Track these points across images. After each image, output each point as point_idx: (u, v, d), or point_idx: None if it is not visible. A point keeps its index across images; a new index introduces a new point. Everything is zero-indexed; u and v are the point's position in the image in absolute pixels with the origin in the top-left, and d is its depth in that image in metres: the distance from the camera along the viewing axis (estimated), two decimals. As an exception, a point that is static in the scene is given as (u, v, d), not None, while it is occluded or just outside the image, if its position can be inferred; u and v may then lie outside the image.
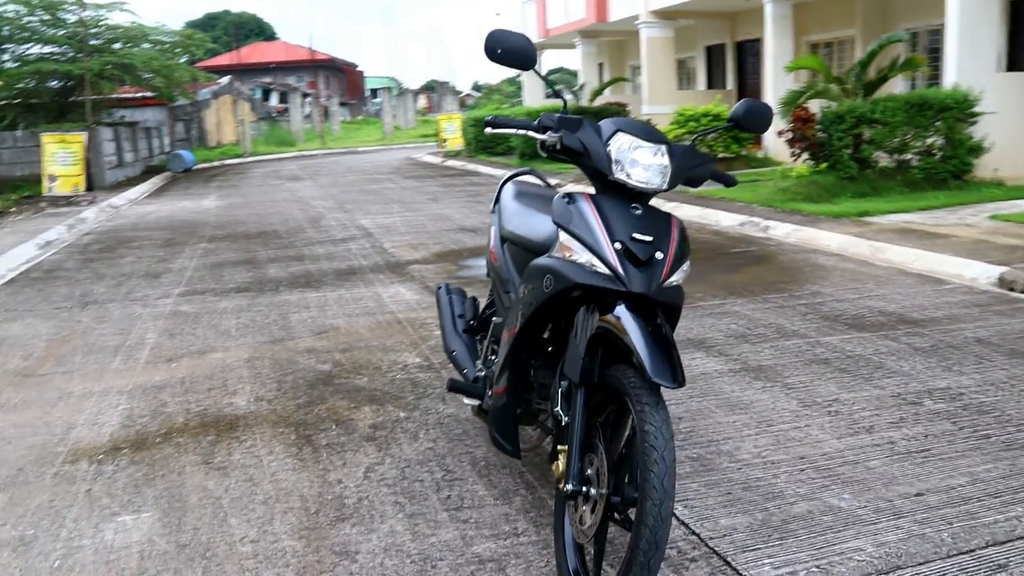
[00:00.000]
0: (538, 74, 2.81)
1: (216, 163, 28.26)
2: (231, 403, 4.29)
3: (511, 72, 27.55)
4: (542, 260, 2.59)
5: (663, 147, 2.53)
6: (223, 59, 51.37)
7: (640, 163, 2.49)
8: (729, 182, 2.93)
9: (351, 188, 16.60)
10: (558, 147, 2.60)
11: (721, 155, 14.33)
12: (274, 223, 11.69)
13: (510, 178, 3.71)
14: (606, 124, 2.57)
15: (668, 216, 2.55)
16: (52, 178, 15.43)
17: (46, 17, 20.92)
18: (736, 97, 19.32)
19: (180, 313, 6.34)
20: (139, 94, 25.93)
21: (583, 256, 2.40)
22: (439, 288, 3.97)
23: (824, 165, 10.33)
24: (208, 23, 65.77)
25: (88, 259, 9.23)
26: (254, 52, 59.71)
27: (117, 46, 21.92)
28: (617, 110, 17.53)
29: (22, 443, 3.87)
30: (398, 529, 2.91)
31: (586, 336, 2.41)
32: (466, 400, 3.16)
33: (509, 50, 2.64)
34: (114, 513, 3.13)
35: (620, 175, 2.50)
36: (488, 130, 2.80)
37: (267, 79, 56.46)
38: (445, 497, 3.13)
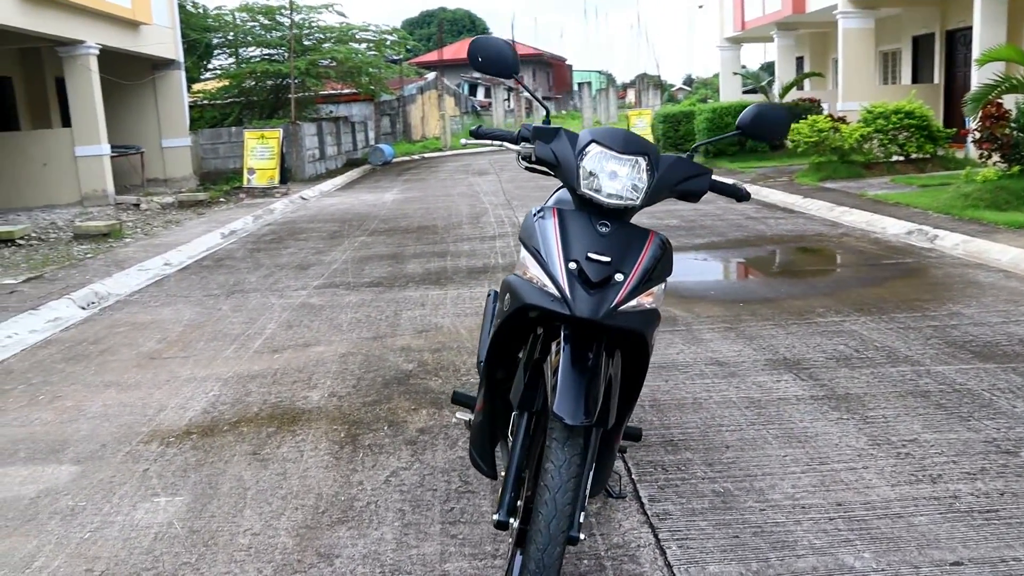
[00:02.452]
0: (520, 82, 2.72)
1: (416, 157, 29.57)
2: (306, 397, 4.50)
3: (715, 67, 26.63)
4: (509, 277, 2.51)
5: (640, 159, 2.37)
6: (433, 55, 53.57)
7: (610, 176, 2.35)
8: (740, 196, 2.70)
9: (527, 184, 16.79)
10: (532, 158, 2.50)
11: (913, 155, 13.19)
12: (437, 218, 12.07)
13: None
14: (583, 134, 2.45)
15: (645, 234, 2.39)
16: (251, 171, 16.82)
17: (265, 22, 22.82)
18: (944, 92, 17.69)
19: (307, 305, 6.71)
20: (346, 90, 27.63)
21: (535, 275, 2.30)
22: (489, 295, 3.94)
23: (1016, 168, 9.22)
24: (424, 20, 68.94)
25: (256, 249, 9.99)
26: (464, 48, 61.81)
27: (326, 46, 23.50)
28: (808, 107, 16.54)
29: (116, 421, 4.26)
30: (387, 537, 2.93)
31: (530, 360, 2.31)
32: (459, 414, 3.13)
33: (489, 58, 2.59)
34: (154, 494, 3.37)
35: (588, 189, 2.37)
36: (463, 141, 2.74)
37: (476, 74, 58.40)
38: (448, 509, 3.12)
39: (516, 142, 2.61)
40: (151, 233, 11.48)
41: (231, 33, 23.00)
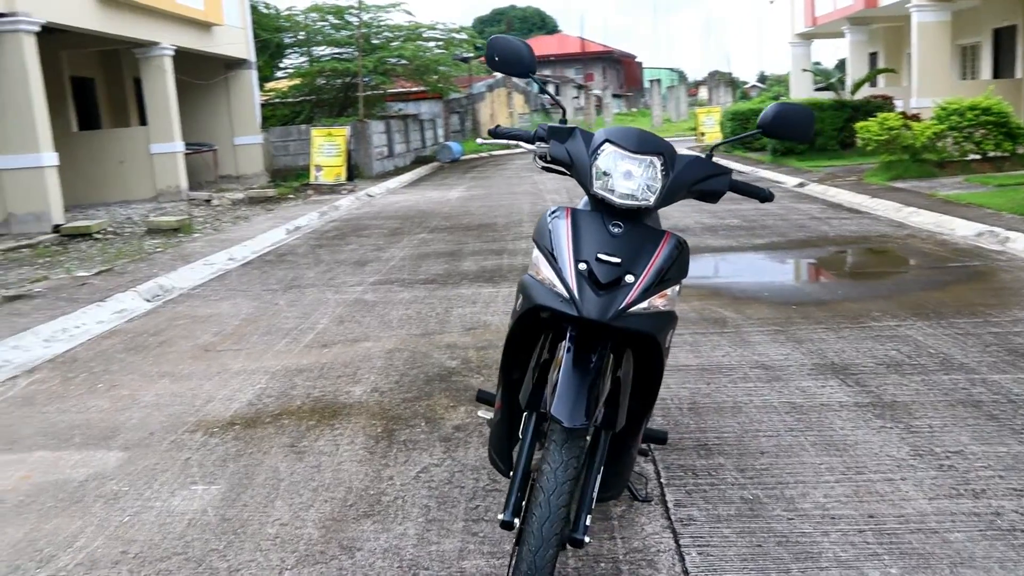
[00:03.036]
0: (536, 81, 2.72)
1: (484, 154, 29.73)
2: (349, 392, 4.57)
3: (789, 64, 26.04)
4: (524, 277, 2.51)
5: (655, 159, 2.35)
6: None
7: (623, 176, 2.33)
8: (763, 197, 2.65)
9: (589, 182, 16.72)
10: (547, 158, 2.50)
11: (991, 154, 12.69)
12: (498, 216, 12.12)
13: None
14: (599, 133, 2.44)
15: (660, 235, 2.36)
16: (318, 168, 17.16)
17: (335, 21, 23.24)
18: (1026, 87, 16.97)
19: (361, 301, 6.82)
20: (415, 88, 27.95)
21: (546, 275, 2.30)
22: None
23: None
24: (495, 18, 69.23)
25: (318, 245, 10.18)
26: (535, 46, 61.82)
27: (394, 45, 23.82)
28: (879, 104, 16.07)
29: (166, 410, 4.40)
30: (409, 533, 2.96)
31: (538, 360, 2.31)
32: (481, 412, 3.13)
33: (505, 57, 2.60)
34: (192, 482, 3.48)
35: (600, 189, 2.35)
36: (479, 140, 2.75)
37: (546, 71, 58.38)
38: (473, 507, 3.14)
39: (532, 142, 2.61)
40: (219, 228, 11.81)
41: (301, 33, 23.48)
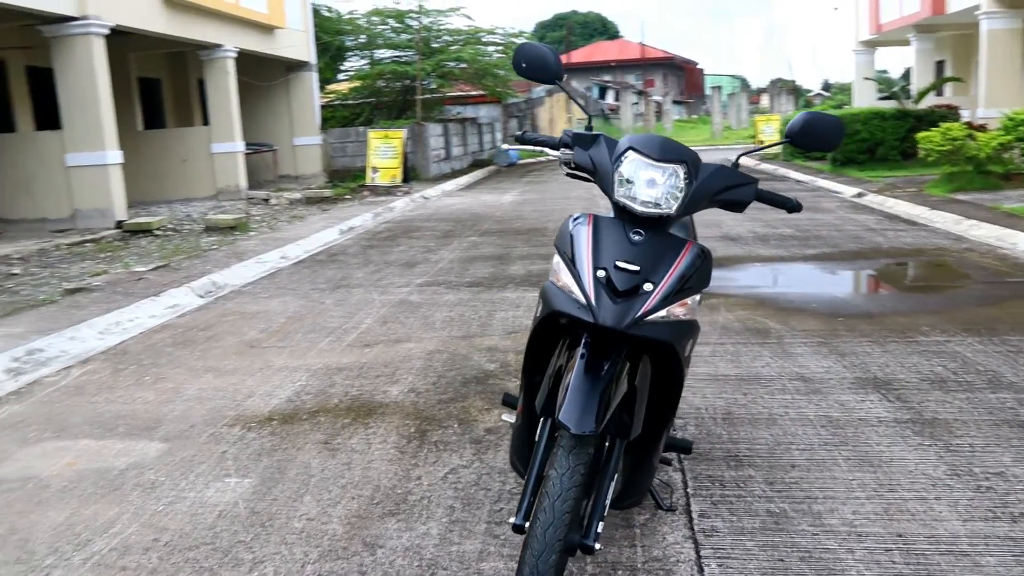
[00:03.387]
0: (563, 88, 2.73)
1: (541, 159, 29.73)
2: (386, 391, 4.63)
3: (852, 73, 25.44)
4: (545, 283, 2.52)
5: (678, 168, 2.34)
6: (565, 58, 53.83)
7: (646, 184, 2.32)
8: (791, 208, 2.61)
9: (643, 188, 16.60)
10: (572, 164, 2.51)
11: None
12: (549, 221, 12.12)
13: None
14: (623, 141, 2.44)
15: (682, 244, 2.35)
16: (375, 170, 17.39)
17: (395, 25, 23.53)
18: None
19: (406, 302, 6.89)
20: (474, 92, 28.12)
21: (565, 282, 2.30)
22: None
23: None
24: (556, 23, 69.30)
25: (369, 246, 10.32)
26: (596, 51, 61.79)
27: (453, 48, 24.01)
28: (944, 114, 15.65)
29: (208, 404, 4.51)
30: (432, 532, 2.99)
31: (556, 366, 2.31)
32: (504, 416, 3.14)
33: (532, 64, 2.62)
34: (226, 474, 3.56)
35: (622, 197, 2.35)
36: (504, 146, 2.76)
37: (606, 77, 58.25)
38: (497, 509, 3.15)
39: (558, 148, 2.62)
40: (274, 227, 12.05)
41: (362, 36, 23.83)
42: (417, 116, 21.13)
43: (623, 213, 2.40)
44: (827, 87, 69.21)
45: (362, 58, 25.65)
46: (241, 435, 4.02)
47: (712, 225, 10.52)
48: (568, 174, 2.62)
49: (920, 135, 13.42)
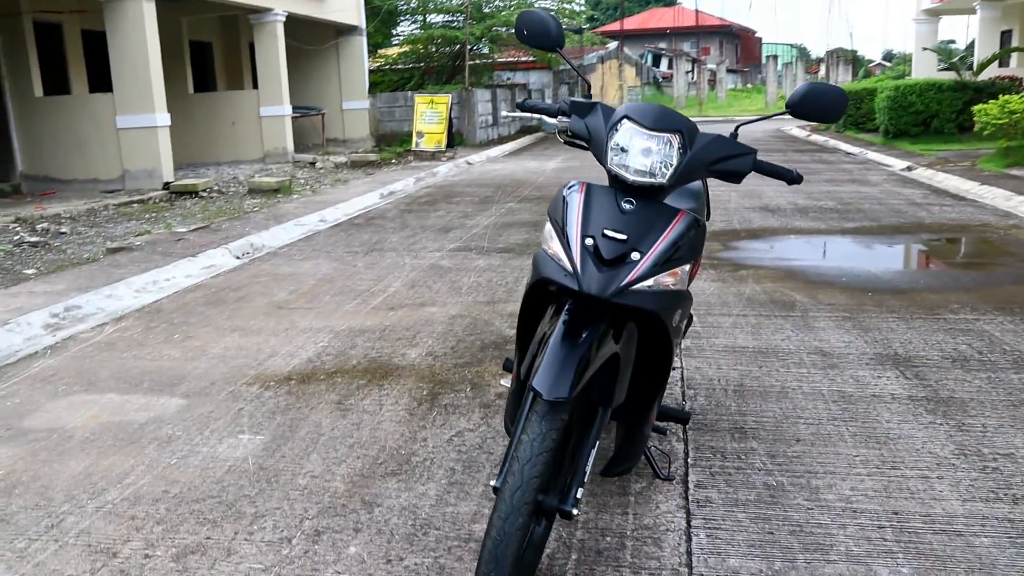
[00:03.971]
0: (563, 56, 2.70)
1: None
2: (404, 354, 4.69)
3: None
4: (538, 251, 2.53)
5: (672, 136, 2.32)
6: (615, 25, 52.98)
7: (641, 153, 2.31)
8: (791, 179, 2.57)
9: (689, 158, 16.37)
10: (568, 133, 2.50)
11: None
12: (589, 188, 12.03)
13: None
14: (619, 109, 2.43)
15: (674, 213, 2.34)
16: (420, 135, 17.44)
17: (446, -12, 23.41)
18: None
19: (436, 267, 6.95)
20: (525, 58, 27.91)
21: (552, 249, 2.32)
22: None
23: None
24: (612, -11, 68.02)
25: (407, 210, 10.39)
26: (651, 18, 60.74)
27: (504, 14, 23.81)
28: (1006, 85, 15.09)
29: (230, 362, 4.63)
30: (430, 494, 3.05)
31: (540, 333, 2.33)
32: (503, 381, 3.16)
33: (533, 30, 2.61)
34: (240, 431, 3.67)
35: (615, 165, 2.35)
36: (504, 113, 2.76)
37: (661, 44, 57.23)
38: (496, 473, 3.19)
39: (557, 116, 2.61)
40: (318, 190, 12.19)
41: (412, 1, 23.76)
42: (465, 82, 21.07)
43: (616, 182, 2.39)
44: (888, 57, 67.01)
45: (413, 22, 25.61)
46: (259, 393, 4.13)
47: (753, 196, 10.36)
48: (566, 142, 2.62)
49: (977, 107, 12.98)
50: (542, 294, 2.43)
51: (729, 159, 2.43)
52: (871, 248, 7.24)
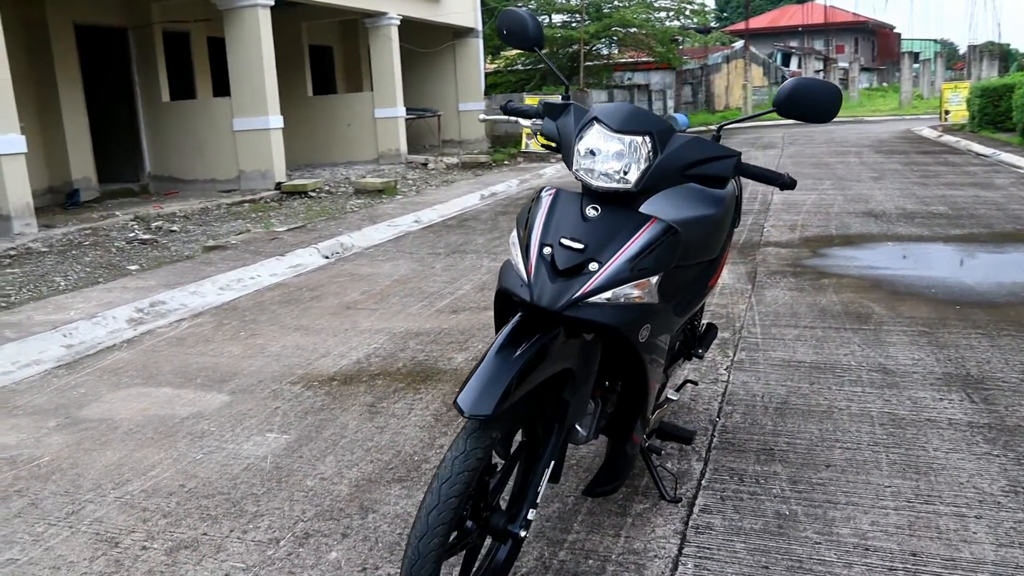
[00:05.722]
0: (542, 57, 2.60)
1: (713, 126, 28.67)
2: (450, 359, 4.69)
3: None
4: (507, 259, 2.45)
5: (642, 139, 2.19)
6: (741, 24, 51.45)
7: (610, 157, 2.21)
8: (781, 184, 2.39)
9: (807, 161, 15.71)
10: (541, 135, 2.42)
11: None
12: (692, 191, 11.71)
13: None
14: (591, 111, 2.32)
15: (643, 221, 2.21)
16: (529, 136, 17.42)
17: (564, -11, 23.40)
18: None
19: (510, 269, 6.91)
20: (645, 58, 27.55)
21: (513, 257, 2.24)
22: None
23: None
24: (746, -15, 66.11)
25: (502, 212, 10.42)
26: (782, 15, 58.70)
27: (622, 14, 23.57)
28: None
29: (283, 361, 4.75)
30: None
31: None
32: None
33: (512, 30, 2.55)
34: (269, 430, 3.75)
35: (580, 170, 2.25)
36: (481, 117, 2.71)
37: (792, 43, 55.17)
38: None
39: (533, 118, 2.53)
40: (421, 191, 12.40)
41: (532, 2, 23.85)
42: (580, 82, 20.97)
43: (587, 188, 2.29)
44: (1045, 51, 62.13)
45: (532, 23, 25.71)
46: (299, 393, 4.21)
47: (859, 200, 9.82)
48: (543, 146, 2.53)
49: None
50: (509, 305, 2.35)
51: (708, 162, 2.28)
52: (974, 257, 6.69)
